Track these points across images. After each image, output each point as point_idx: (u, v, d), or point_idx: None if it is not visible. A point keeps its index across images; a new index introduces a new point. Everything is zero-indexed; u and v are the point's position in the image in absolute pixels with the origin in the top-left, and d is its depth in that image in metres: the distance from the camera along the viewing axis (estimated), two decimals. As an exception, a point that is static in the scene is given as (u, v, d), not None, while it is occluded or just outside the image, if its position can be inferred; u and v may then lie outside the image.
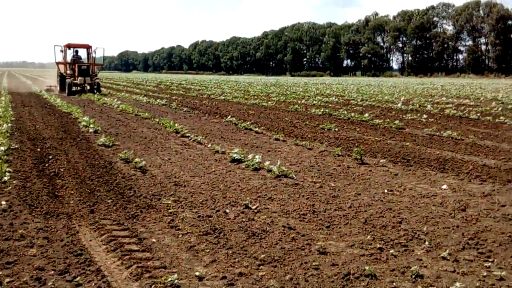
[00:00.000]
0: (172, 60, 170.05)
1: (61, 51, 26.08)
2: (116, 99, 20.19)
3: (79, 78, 24.80)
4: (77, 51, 26.89)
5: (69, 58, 26.28)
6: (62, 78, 25.85)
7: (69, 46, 26.40)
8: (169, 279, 3.32)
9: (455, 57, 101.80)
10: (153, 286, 3.26)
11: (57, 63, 26.17)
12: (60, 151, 8.48)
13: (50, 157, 7.88)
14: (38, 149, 8.58)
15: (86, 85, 25.16)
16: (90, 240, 4.22)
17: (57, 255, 3.80)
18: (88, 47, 27.08)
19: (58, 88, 26.60)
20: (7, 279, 3.33)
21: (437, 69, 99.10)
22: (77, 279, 3.36)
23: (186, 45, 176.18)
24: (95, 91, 24.98)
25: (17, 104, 18.01)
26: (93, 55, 26.70)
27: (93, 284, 3.30)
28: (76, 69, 25.19)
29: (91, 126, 11.24)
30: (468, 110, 16.17)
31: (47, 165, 7.32)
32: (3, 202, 5.19)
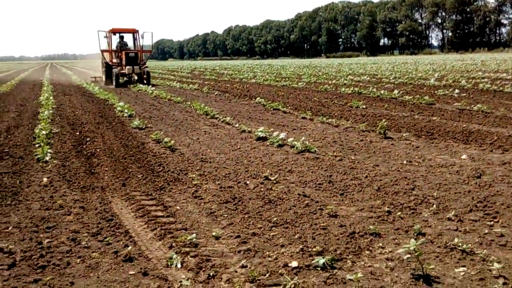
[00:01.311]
0: (206, 46, 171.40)
1: (105, 37, 23.74)
2: (150, 86, 20.82)
3: (127, 67, 22.05)
4: (122, 37, 24.26)
5: (114, 45, 23.95)
6: (108, 68, 23.42)
7: (114, 31, 23.79)
8: (188, 238, 3.66)
9: (498, 31, 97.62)
10: (173, 244, 3.62)
11: (102, 51, 23.74)
12: (97, 134, 9.02)
13: (88, 139, 8.42)
14: (77, 133, 9.15)
15: (133, 75, 22.35)
16: (121, 209, 4.63)
17: (91, 221, 4.23)
18: (134, 32, 24.26)
19: (104, 79, 24.21)
20: (47, 240, 3.76)
21: (479, 44, 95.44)
22: (107, 239, 3.76)
23: (220, 30, 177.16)
24: (145, 82, 22.19)
25: (58, 93, 18.92)
26: (140, 40, 23.98)
27: (121, 243, 3.69)
28: (124, 57, 22.47)
29: (126, 111, 11.79)
30: (503, 84, 15.74)
31: (84, 146, 7.84)
32: (45, 179, 5.70)
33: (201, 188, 5.21)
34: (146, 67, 23.39)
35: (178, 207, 4.59)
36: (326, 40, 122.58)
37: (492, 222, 3.85)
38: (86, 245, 3.67)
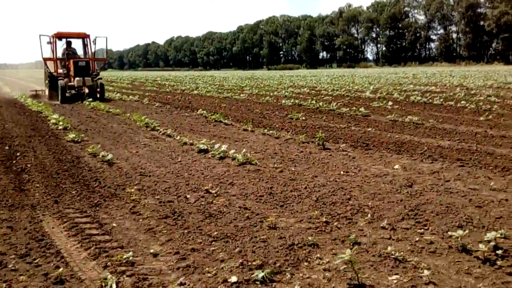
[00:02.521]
0: (147, 57, 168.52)
1: (49, 43, 19.71)
2: (87, 97, 20.05)
3: (76, 79, 18.62)
4: (70, 43, 20.54)
5: (60, 53, 20.34)
6: (52, 79, 19.68)
7: (59, 35, 19.91)
8: (125, 257, 3.54)
9: (427, 46, 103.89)
10: (109, 263, 3.48)
11: (45, 60, 19.96)
12: (28, 148, 8.56)
13: (18, 154, 7.96)
14: (6, 147, 8.63)
15: (84, 88, 18.93)
16: (53, 228, 4.40)
17: (19, 241, 3.98)
18: (85, 37, 20.55)
19: (47, 93, 20.60)
20: (-31, 264, 3.50)
21: (410, 58, 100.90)
22: (37, 260, 3.56)
23: (161, 41, 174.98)
24: (98, 96, 19.00)
25: (-14, 105, 17.79)
26: (92, 47, 20.32)
27: (52, 264, 3.50)
28: (72, 67, 19.08)
29: (61, 123, 11.29)
30: (432, 97, 16.69)
31: (14, 161, 7.41)
32: (-32, 197, 5.30)
33: (140, 204, 5.07)
34: (100, 78, 20.06)
35: (114, 224, 4.43)
36: (267, 53, 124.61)
37: (422, 230, 4.04)
38: (13, 268, 3.45)
